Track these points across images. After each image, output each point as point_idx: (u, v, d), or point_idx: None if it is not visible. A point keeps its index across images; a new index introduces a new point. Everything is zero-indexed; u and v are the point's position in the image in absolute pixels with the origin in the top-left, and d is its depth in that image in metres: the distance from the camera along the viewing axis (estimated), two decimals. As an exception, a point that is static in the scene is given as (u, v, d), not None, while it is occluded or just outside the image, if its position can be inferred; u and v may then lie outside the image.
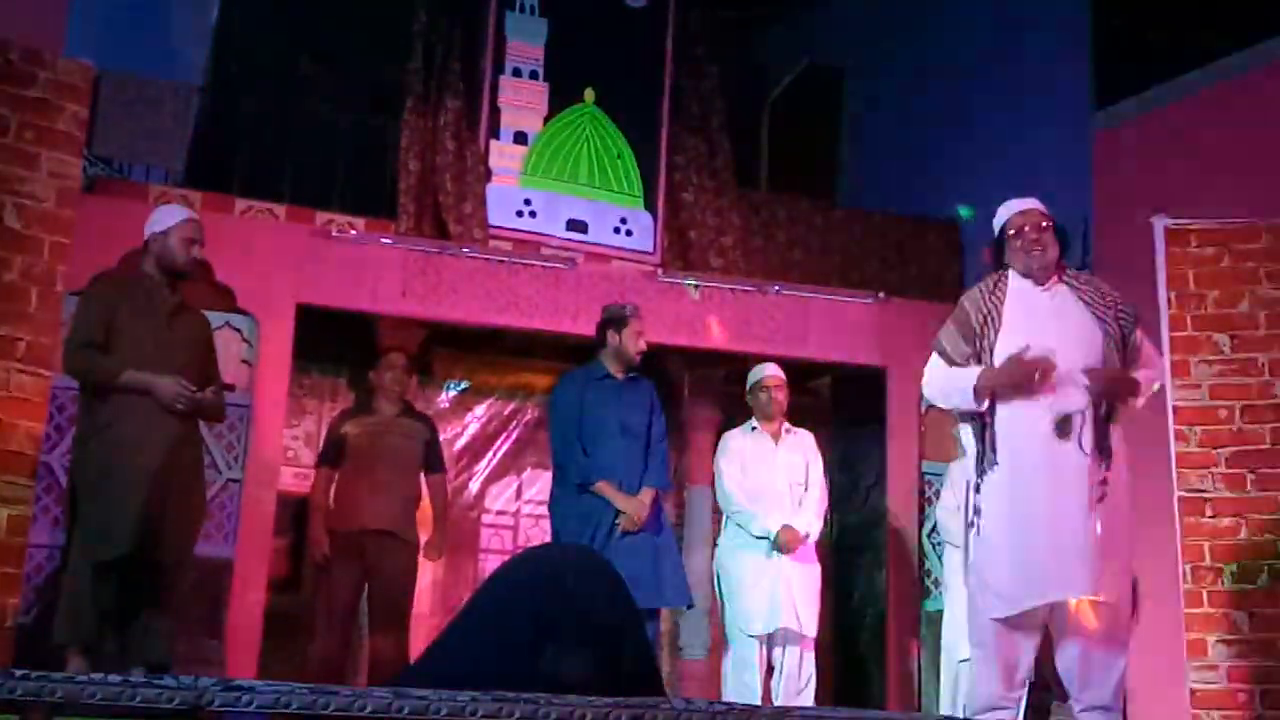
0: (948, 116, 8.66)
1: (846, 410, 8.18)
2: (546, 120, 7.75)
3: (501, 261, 7.23)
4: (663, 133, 7.96)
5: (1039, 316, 4.26)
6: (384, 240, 7.09)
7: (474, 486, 7.84)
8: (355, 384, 7.39)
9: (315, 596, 6.51)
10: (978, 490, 4.25)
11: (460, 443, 7.81)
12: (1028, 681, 4.33)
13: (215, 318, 5.84)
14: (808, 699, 6.20)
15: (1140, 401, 4.39)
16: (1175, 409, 5.74)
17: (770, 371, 6.53)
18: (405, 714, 2.30)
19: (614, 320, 5.90)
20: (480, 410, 7.92)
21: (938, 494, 6.88)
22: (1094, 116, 7.43)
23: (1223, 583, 5.57)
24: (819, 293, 7.72)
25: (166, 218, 5.08)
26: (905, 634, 7.40)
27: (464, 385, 7.92)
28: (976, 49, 8.56)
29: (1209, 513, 5.63)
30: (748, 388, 6.57)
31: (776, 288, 7.64)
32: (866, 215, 8.66)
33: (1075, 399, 4.15)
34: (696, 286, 7.47)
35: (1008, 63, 8.28)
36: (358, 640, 6.73)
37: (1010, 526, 4.14)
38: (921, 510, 7.43)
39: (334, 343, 7.27)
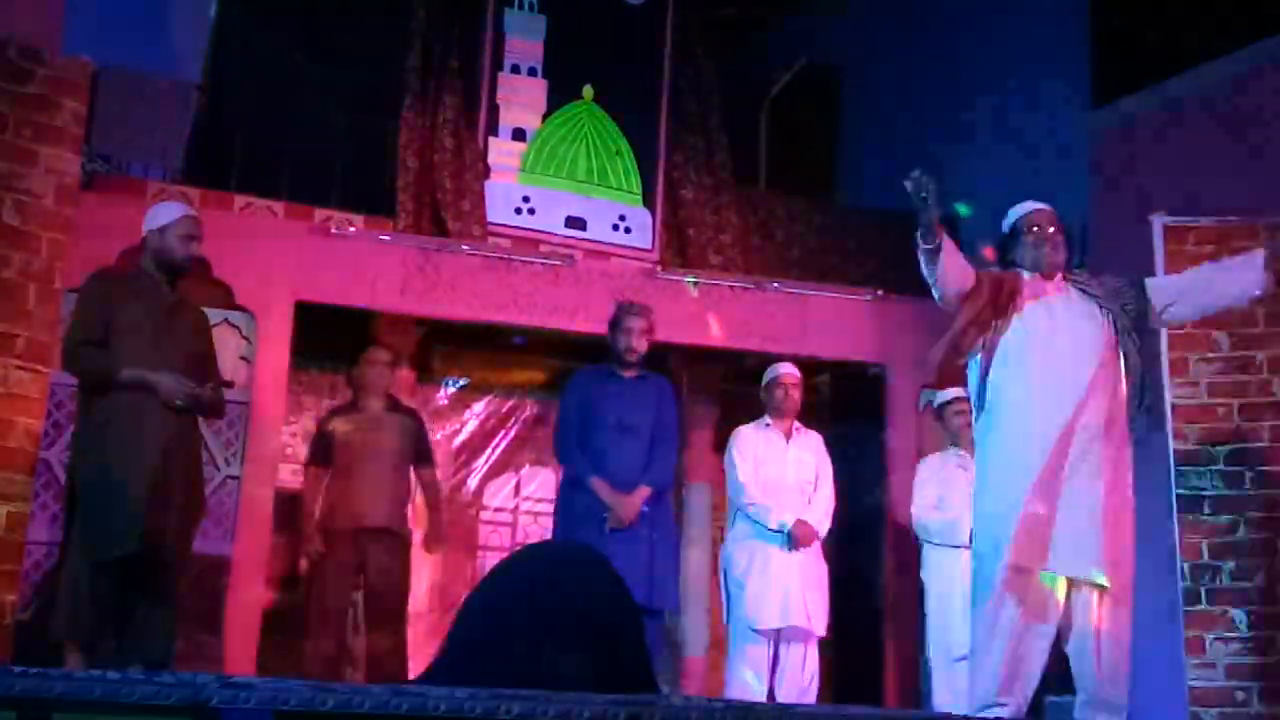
0: (946, 115, 8.66)
1: (845, 408, 8.18)
2: (545, 117, 7.75)
3: (500, 258, 7.23)
4: (661, 130, 7.96)
5: (1052, 312, 4.31)
6: (383, 237, 7.09)
7: (472, 483, 7.84)
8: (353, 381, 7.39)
9: (309, 595, 6.50)
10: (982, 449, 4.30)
11: (459, 439, 7.81)
12: (1034, 683, 4.31)
13: (214, 314, 5.83)
14: (810, 696, 6.21)
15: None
16: (1173, 407, 5.75)
17: (787, 370, 6.56)
18: (403, 711, 2.30)
19: (612, 319, 5.95)
20: (479, 407, 7.92)
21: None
22: (1092, 115, 7.43)
23: (1221, 580, 5.58)
24: (817, 290, 7.73)
25: (164, 214, 5.08)
26: (904, 631, 7.40)
27: (463, 382, 7.92)
28: (974, 47, 8.56)
29: (1207, 510, 5.63)
30: (763, 384, 6.58)
31: (775, 285, 7.64)
32: (865, 213, 8.66)
33: (1091, 389, 4.18)
34: (695, 284, 7.47)
35: (1006, 61, 8.29)
36: (352, 638, 6.71)
37: (1013, 501, 4.15)
38: (920, 508, 7.43)
39: (333, 340, 7.26)
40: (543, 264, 7.29)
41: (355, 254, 6.97)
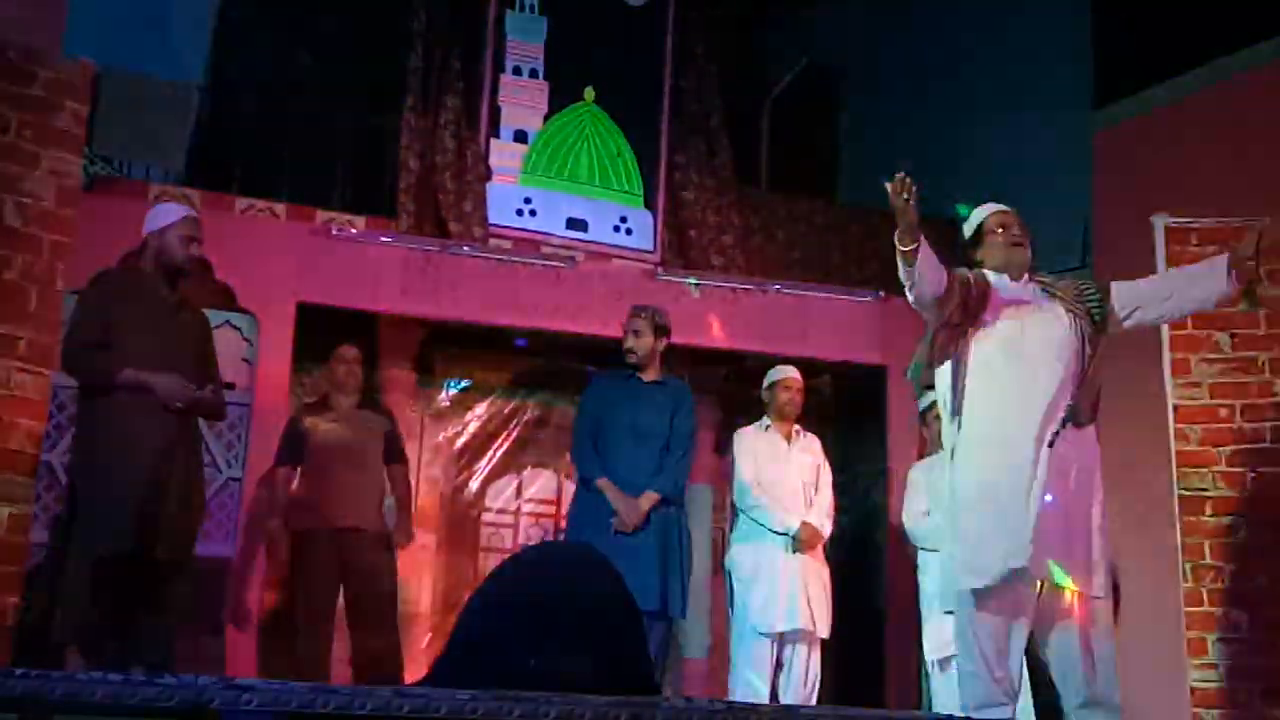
0: (947, 116, 8.66)
1: (847, 408, 8.18)
2: (546, 119, 7.75)
3: (502, 260, 7.23)
4: (663, 131, 7.96)
5: (1021, 314, 4.31)
6: (384, 239, 7.09)
7: (474, 485, 7.84)
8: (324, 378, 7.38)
9: (292, 598, 6.43)
10: (953, 456, 4.30)
11: (460, 441, 7.80)
12: (1021, 677, 4.32)
13: (215, 316, 5.84)
14: (812, 699, 6.22)
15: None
16: (1175, 408, 5.75)
17: (790, 373, 6.57)
18: (405, 712, 2.30)
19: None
20: (480, 409, 7.91)
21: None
22: (1093, 116, 7.43)
23: (1223, 581, 5.57)
24: (819, 291, 7.73)
25: (165, 216, 5.08)
26: (904, 633, 7.39)
27: (464, 384, 7.92)
28: (976, 48, 8.56)
29: (1209, 511, 5.63)
30: (765, 385, 6.59)
31: (776, 286, 7.64)
32: (866, 213, 8.65)
33: (1060, 392, 4.18)
34: (697, 285, 7.47)
35: (1007, 61, 8.29)
36: (334, 639, 6.66)
37: (985, 494, 4.15)
38: (919, 510, 7.42)
39: (334, 341, 7.25)
40: (544, 265, 7.29)
41: (357, 256, 6.97)
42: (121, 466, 4.75)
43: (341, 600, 6.29)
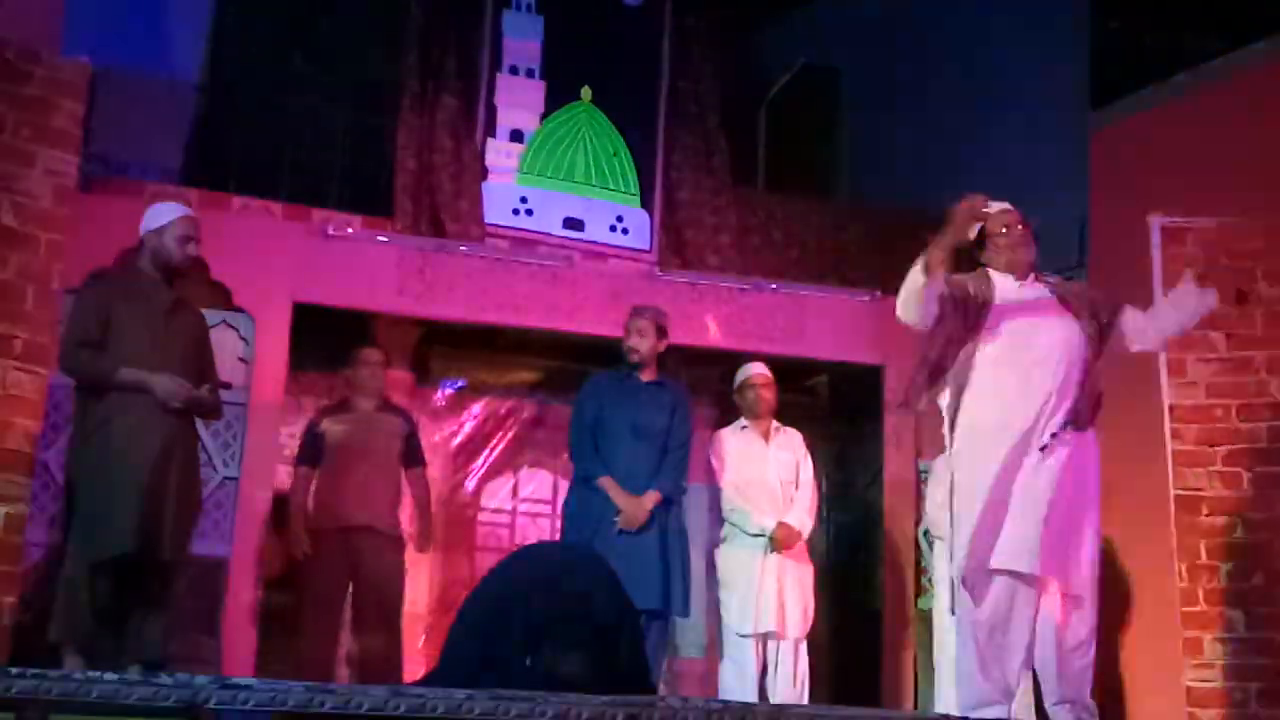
0: (944, 116, 8.66)
1: (844, 408, 8.18)
2: (543, 118, 7.75)
3: (498, 259, 7.23)
4: (659, 131, 7.96)
5: (1025, 313, 4.30)
6: (381, 238, 7.09)
7: (470, 484, 7.84)
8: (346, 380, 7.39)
9: (300, 595, 6.47)
10: (953, 459, 4.31)
11: (456, 441, 7.80)
12: (1021, 679, 4.33)
13: (212, 315, 5.84)
14: (803, 697, 6.21)
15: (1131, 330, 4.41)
16: (1171, 407, 5.76)
17: (756, 370, 6.55)
18: (401, 712, 2.30)
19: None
20: (476, 408, 7.92)
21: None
22: (1090, 116, 7.43)
23: (1219, 581, 5.58)
24: (816, 291, 7.73)
25: (162, 215, 5.07)
26: (901, 632, 7.41)
27: (460, 383, 7.92)
28: (973, 48, 8.56)
29: (1205, 511, 5.64)
30: (735, 386, 6.60)
31: (773, 286, 7.64)
32: (864, 213, 8.66)
33: (1060, 396, 4.19)
34: (694, 285, 7.47)
35: (1004, 62, 8.29)
36: (340, 639, 6.69)
37: (986, 498, 4.16)
38: (918, 508, 7.43)
39: (331, 341, 7.26)
40: (541, 265, 7.29)
41: (353, 255, 6.96)
42: (118, 466, 4.75)
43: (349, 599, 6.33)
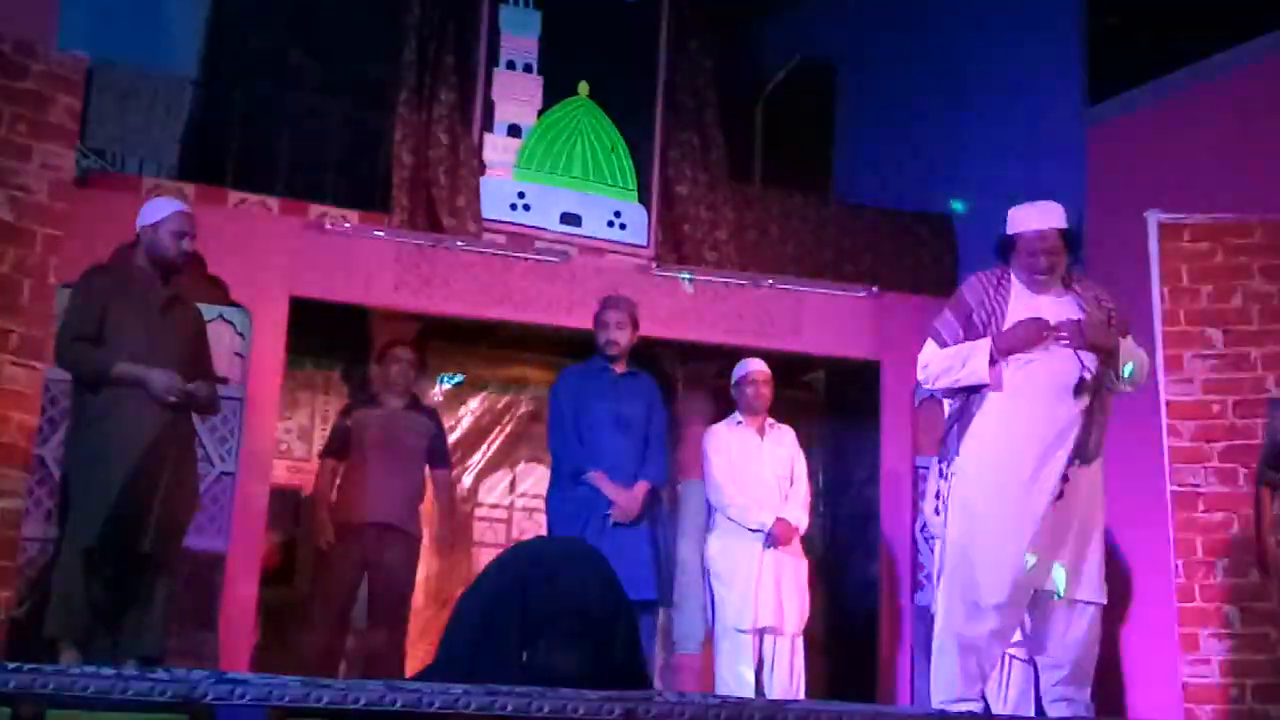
0: (941, 111, 8.66)
1: (840, 404, 8.18)
2: (540, 113, 7.73)
3: (495, 254, 7.22)
4: (656, 126, 7.95)
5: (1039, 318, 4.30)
6: (377, 233, 7.08)
7: (467, 480, 7.84)
8: (348, 377, 7.39)
9: (313, 586, 6.51)
10: (946, 478, 4.30)
11: (454, 436, 7.80)
12: (990, 672, 4.39)
13: (208, 310, 5.84)
14: (799, 693, 6.22)
15: (1127, 373, 4.39)
16: (1168, 404, 5.76)
17: (755, 366, 6.57)
18: (397, 707, 2.30)
19: (595, 314, 6.01)
20: (474, 404, 7.92)
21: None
22: (1087, 112, 7.43)
23: (1215, 577, 5.59)
24: (813, 286, 7.72)
25: (157, 210, 5.07)
26: (897, 628, 7.41)
27: (458, 378, 7.91)
28: (969, 44, 8.56)
29: (1201, 507, 5.65)
30: (733, 382, 6.60)
31: (770, 281, 7.63)
32: (860, 209, 8.66)
33: (1068, 425, 4.20)
34: (690, 279, 7.47)
35: (1001, 58, 8.28)
36: (349, 633, 6.71)
37: (986, 514, 4.17)
38: (915, 505, 7.43)
39: (327, 336, 7.25)
40: (538, 260, 7.28)
41: (350, 250, 6.95)
42: (115, 461, 4.75)
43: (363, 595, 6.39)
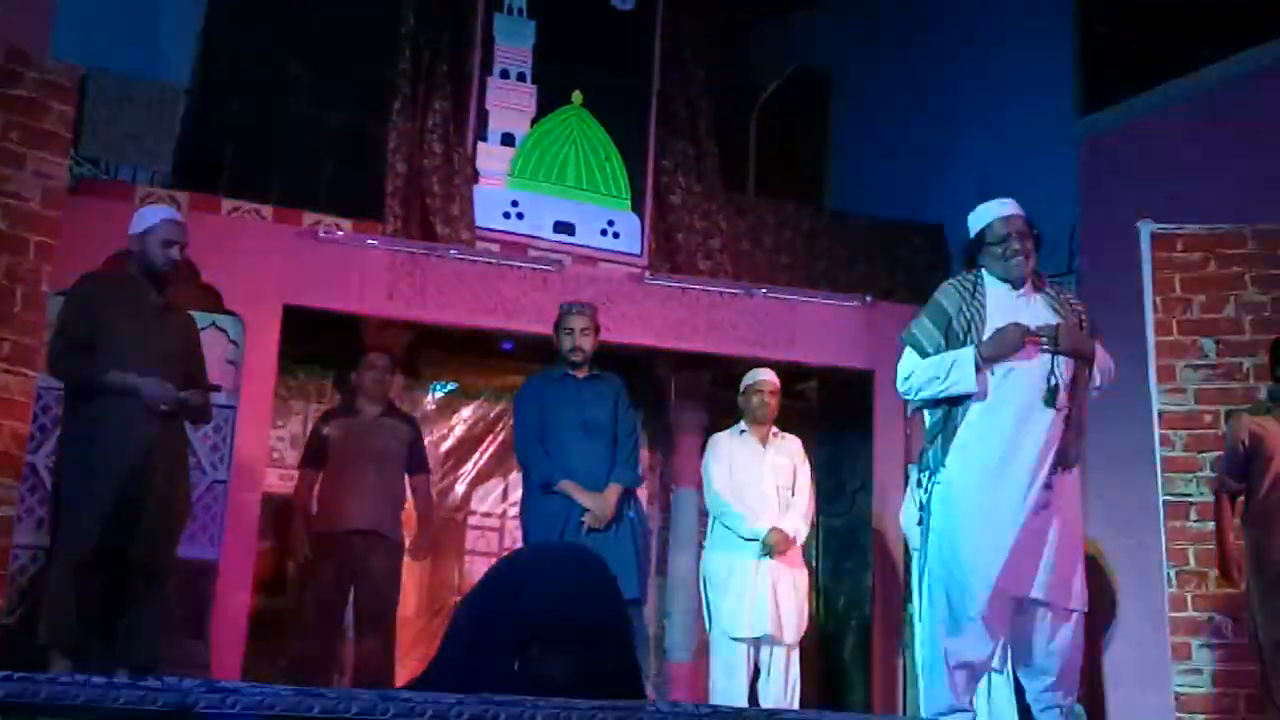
0: (934, 122, 8.68)
1: (833, 413, 8.19)
2: (534, 122, 7.74)
3: (489, 263, 7.23)
4: (650, 135, 7.96)
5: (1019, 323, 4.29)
6: (371, 241, 7.08)
7: (460, 489, 7.83)
8: (341, 385, 7.38)
9: (300, 597, 6.50)
10: (926, 489, 4.29)
11: (446, 445, 7.80)
12: (979, 683, 4.38)
13: (201, 318, 5.83)
14: (793, 702, 6.22)
15: (1097, 378, 4.39)
16: (1160, 414, 5.77)
17: (765, 376, 6.57)
18: (390, 716, 2.29)
19: (555, 320, 5.96)
20: (467, 412, 7.91)
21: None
22: (1079, 122, 7.46)
23: (1207, 587, 5.59)
24: (806, 296, 7.73)
25: (145, 219, 5.08)
26: (890, 637, 7.41)
27: (450, 387, 7.91)
28: (963, 55, 8.58)
29: (1193, 517, 5.65)
30: (740, 390, 6.60)
31: (763, 291, 7.64)
32: (853, 219, 8.67)
33: (1051, 430, 4.20)
34: (684, 290, 7.48)
35: (994, 69, 8.31)
36: (342, 641, 6.71)
37: (971, 524, 4.17)
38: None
39: (320, 344, 7.25)
40: (531, 269, 7.29)
41: (343, 258, 6.96)
42: (105, 469, 4.74)
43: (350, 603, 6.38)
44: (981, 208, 4.47)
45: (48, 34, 5.95)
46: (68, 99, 5.36)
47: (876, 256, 8.43)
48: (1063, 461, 4.22)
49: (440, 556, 7.56)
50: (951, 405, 4.28)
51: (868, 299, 7.69)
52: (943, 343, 4.31)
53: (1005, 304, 4.34)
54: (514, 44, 7.77)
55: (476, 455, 7.89)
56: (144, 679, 2.37)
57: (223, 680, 2.88)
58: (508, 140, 7.68)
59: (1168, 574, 5.65)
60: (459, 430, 7.87)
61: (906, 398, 4.47)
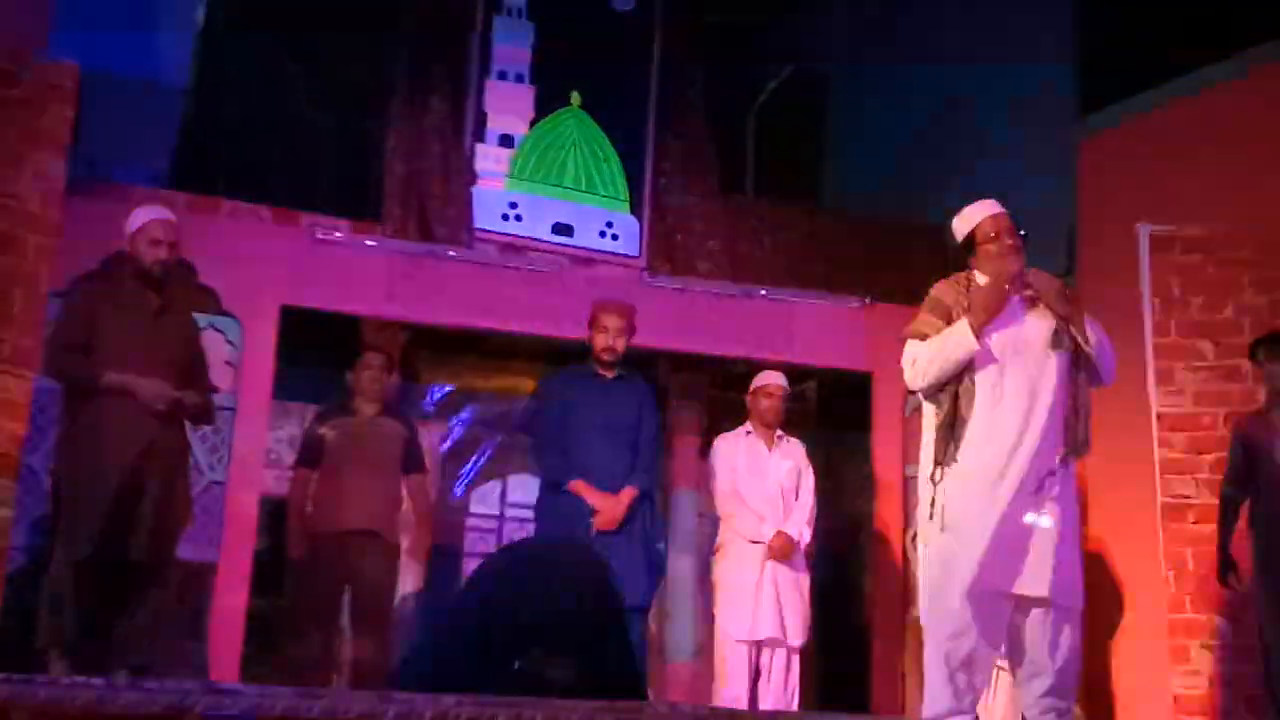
0: (932, 122, 8.68)
1: (832, 415, 8.19)
2: (533, 123, 7.74)
3: (487, 264, 7.22)
4: (649, 136, 7.96)
5: (1012, 321, 4.29)
6: (369, 242, 7.08)
7: (458, 490, 7.83)
8: (339, 387, 7.37)
9: (296, 597, 6.48)
10: (935, 481, 4.29)
11: (445, 446, 7.80)
12: (984, 688, 4.36)
13: (200, 319, 5.83)
14: (793, 705, 6.21)
15: (1092, 337, 4.35)
16: (1159, 415, 5.78)
17: (772, 379, 6.55)
18: (390, 717, 2.29)
19: (589, 317, 5.88)
20: (465, 413, 7.91)
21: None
22: (1078, 123, 7.46)
23: (1206, 589, 5.59)
24: (804, 297, 7.73)
25: (136, 219, 5.09)
26: (890, 639, 7.41)
27: (449, 388, 7.91)
28: (961, 54, 8.58)
29: (1192, 519, 5.66)
30: (750, 391, 6.58)
31: (762, 292, 7.64)
32: (852, 220, 8.67)
33: (1051, 420, 4.19)
34: (683, 291, 7.48)
35: (992, 69, 8.31)
36: (339, 642, 6.70)
37: (975, 522, 4.16)
38: (906, 515, 7.44)
39: (318, 345, 7.24)
40: (530, 270, 7.28)
41: (342, 259, 6.95)
42: (103, 470, 4.74)
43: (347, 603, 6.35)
44: (966, 211, 4.46)
45: (45, 35, 5.94)
46: (66, 100, 5.36)
47: (875, 257, 8.42)
48: (1071, 447, 4.21)
49: (438, 558, 7.55)
50: (956, 399, 4.27)
51: (866, 300, 7.69)
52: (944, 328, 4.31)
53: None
54: (513, 45, 7.77)
55: (475, 456, 7.89)
56: (142, 681, 2.37)
57: (221, 682, 2.88)
58: (506, 141, 7.68)
59: (1166, 575, 5.65)
60: (457, 431, 7.88)
61: (914, 387, 4.41)
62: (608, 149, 7.86)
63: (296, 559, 6.37)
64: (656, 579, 5.73)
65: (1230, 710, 5.47)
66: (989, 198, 4.50)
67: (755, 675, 6.26)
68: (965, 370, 4.24)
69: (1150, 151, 6.86)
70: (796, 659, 6.29)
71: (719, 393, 7.66)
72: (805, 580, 6.40)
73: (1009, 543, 4.13)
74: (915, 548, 7.30)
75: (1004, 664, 5.34)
